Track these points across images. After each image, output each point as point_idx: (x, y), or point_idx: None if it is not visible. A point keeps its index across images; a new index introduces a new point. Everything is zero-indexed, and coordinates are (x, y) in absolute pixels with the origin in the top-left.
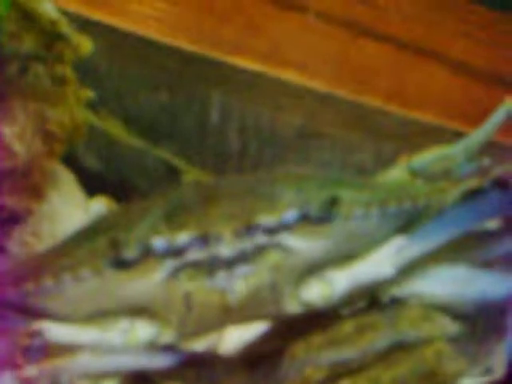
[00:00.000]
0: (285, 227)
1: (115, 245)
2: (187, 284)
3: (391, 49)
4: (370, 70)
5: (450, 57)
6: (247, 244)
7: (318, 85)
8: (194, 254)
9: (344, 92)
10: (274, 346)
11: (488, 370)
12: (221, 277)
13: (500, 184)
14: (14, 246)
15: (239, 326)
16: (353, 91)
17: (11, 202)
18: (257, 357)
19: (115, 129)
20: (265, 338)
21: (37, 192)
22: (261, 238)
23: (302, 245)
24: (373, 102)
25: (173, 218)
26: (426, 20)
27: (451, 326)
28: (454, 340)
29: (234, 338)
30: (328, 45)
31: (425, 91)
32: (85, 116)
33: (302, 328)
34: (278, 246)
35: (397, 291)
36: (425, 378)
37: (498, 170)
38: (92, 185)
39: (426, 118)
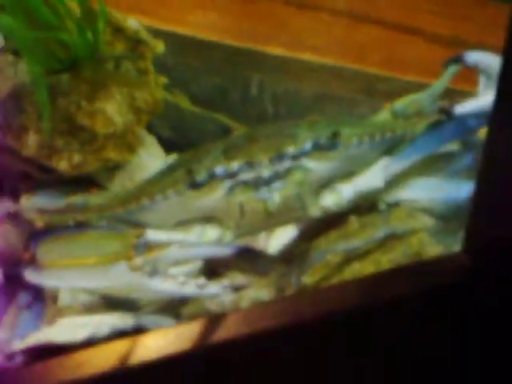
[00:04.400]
0: (304, 154)
1: (190, 173)
2: (240, 197)
3: (381, 29)
4: (366, 47)
5: (424, 30)
6: (279, 167)
7: (328, 61)
8: (244, 176)
9: (348, 64)
10: (303, 245)
11: None
12: (263, 190)
13: (446, 113)
14: (115, 187)
15: (279, 230)
16: (354, 63)
17: (113, 155)
18: (293, 253)
19: (183, 103)
20: (297, 238)
21: (130, 148)
22: (288, 163)
23: (317, 166)
24: (369, 70)
25: (228, 153)
26: (405, 4)
27: (429, 221)
28: (433, 232)
29: (277, 240)
30: (334, 31)
31: (407, 58)
32: (161, 95)
33: (321, 229)
34: (301, 168)
35: (388, 198)
36: (412, 258)
37: (447, 105)
38: (166, 147)
39: (409, 77)
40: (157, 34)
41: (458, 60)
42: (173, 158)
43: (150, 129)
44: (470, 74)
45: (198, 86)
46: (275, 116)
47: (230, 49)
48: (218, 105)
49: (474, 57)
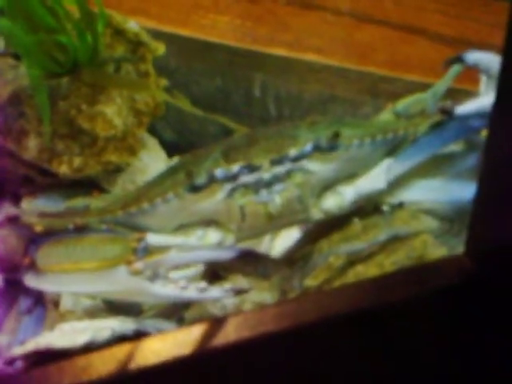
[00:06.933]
0: (304, 156)
1: (190, 176)
2: (240, 200)
3: (385, 29)
4: (370, 47)
5: (428, 30)
6: (280, 169)
7: (332, 61)
8: (244, 179)
9: (351, 65)
10: (306, 248)
11: None
12: (263, 193)
13: (447, 113)
14: (117, 190)
15: (283, 233)
16: (358, 64)
17: (114, 158)
18: (295, 255)
19: (184, 105)
20: (300, 241)
21: (131, 151)
22: (289, 165)
23: (318, 168)
24: (373, 70)
25: (228, 155)
26: (409, 4)
27: (433, 223)
28: (437, 234)
29: (280, 242)
30: (338, 31)
31: (411, 58)
32: (162, 97)
33: (324, 231)
34: (301, 170)
35: (390, 199)
36: (415, 261)
37: (448, 105)
38: (169, 149)
39: (413, 78)
40: (159, 35)
41: (458, 60)
42: (175, 160)
43: (152, 131)
44: (475, 74)
45: (199, 87)
46: (278, 117)
47: (232, 50)
48: (220, 106)
49: (474, 56)
